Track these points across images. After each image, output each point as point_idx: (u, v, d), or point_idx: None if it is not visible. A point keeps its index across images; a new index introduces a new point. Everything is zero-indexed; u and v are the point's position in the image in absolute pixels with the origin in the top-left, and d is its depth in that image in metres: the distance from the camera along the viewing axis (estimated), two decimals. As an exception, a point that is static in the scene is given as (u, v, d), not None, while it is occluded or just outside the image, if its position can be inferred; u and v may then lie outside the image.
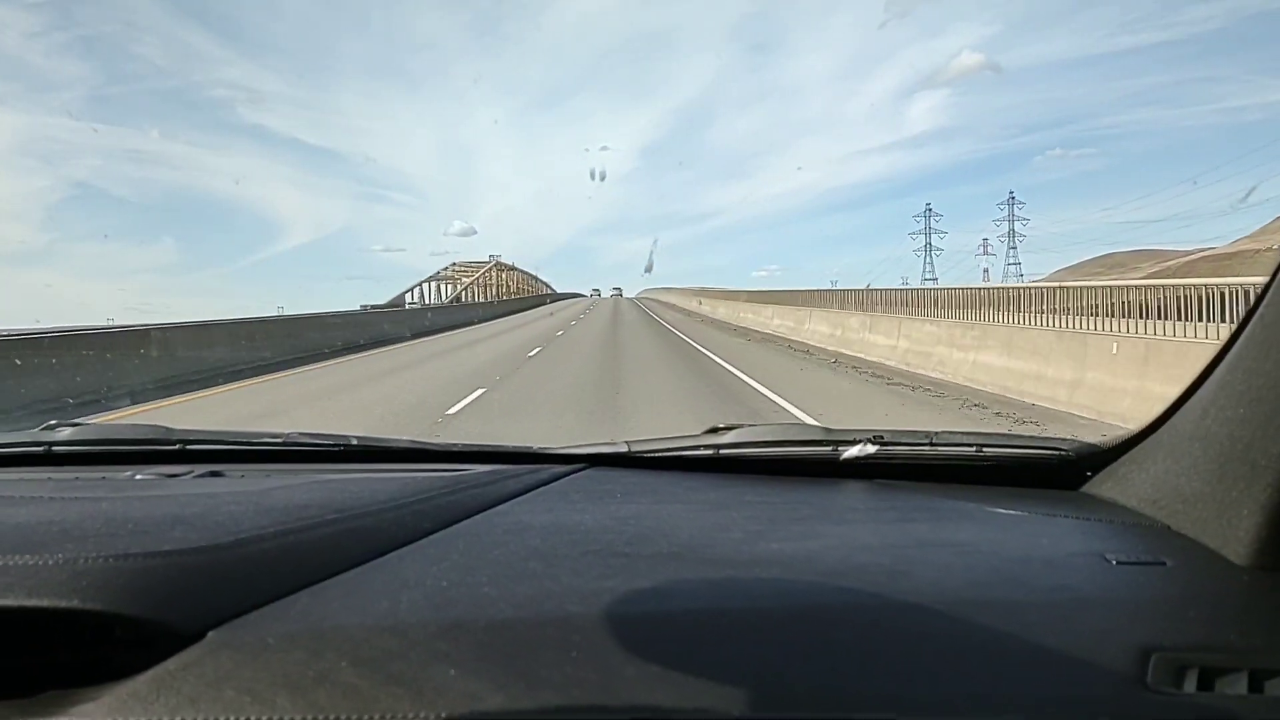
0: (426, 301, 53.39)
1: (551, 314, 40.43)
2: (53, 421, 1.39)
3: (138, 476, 1.09)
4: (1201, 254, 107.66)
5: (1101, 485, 1.06)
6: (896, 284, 18.98)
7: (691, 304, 43.19)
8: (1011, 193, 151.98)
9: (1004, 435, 1.44)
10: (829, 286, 20.54)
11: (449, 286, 62.15)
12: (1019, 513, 1.00)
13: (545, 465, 1.23)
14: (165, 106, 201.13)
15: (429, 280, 60.08)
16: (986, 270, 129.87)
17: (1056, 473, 1.12)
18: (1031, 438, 1.23)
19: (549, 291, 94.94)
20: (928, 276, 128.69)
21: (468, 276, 66.78)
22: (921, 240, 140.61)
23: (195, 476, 1.10)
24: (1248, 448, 0.78)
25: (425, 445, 1.37)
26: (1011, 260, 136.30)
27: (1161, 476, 0.94)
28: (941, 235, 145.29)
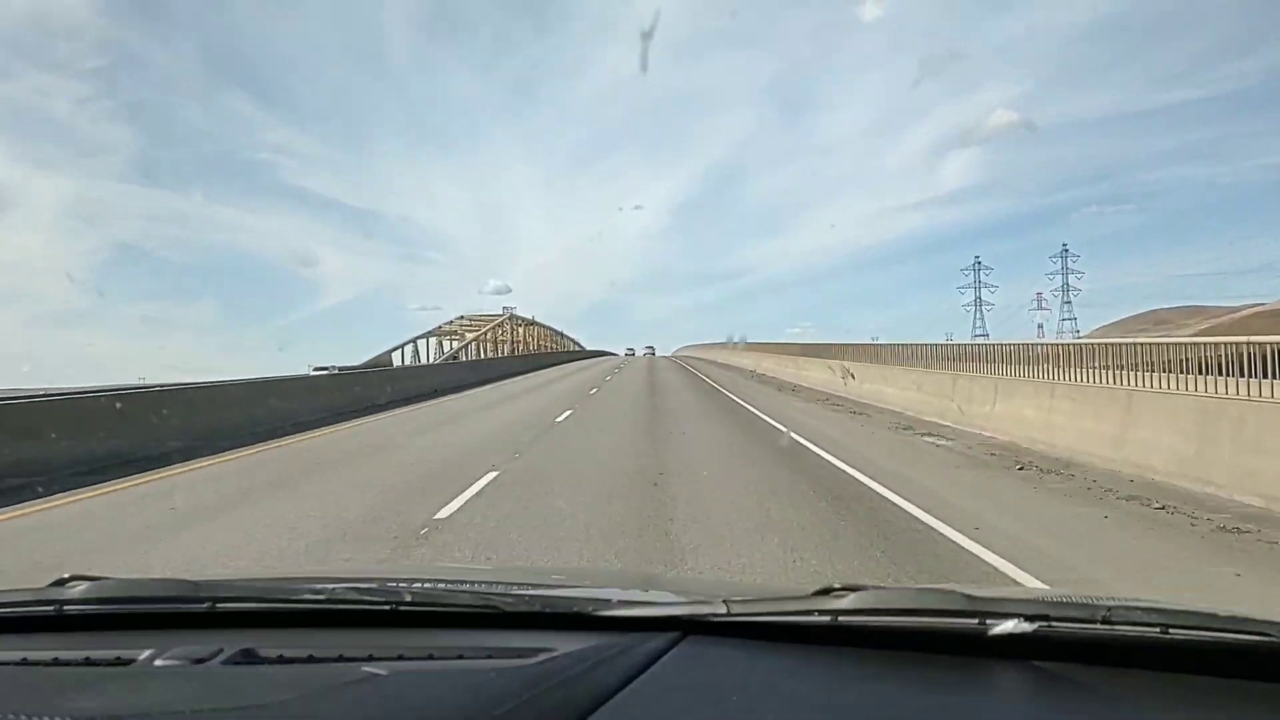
0: (422, 360, 49.98)
1: (565, 375, 37.12)
2: (65, 575, 1.29)
3: (158, 662, 1.01)
4: (1254, 310, 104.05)
5: None
6: (939, 339, 19.61)
7: (745, 360, 40.18)
8: (1065, 245, 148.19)
9: (1199, 613, 1.08)
10: (870, 340, 20.99)
11: (452, 342, 59.02)
12: (1217, 716, 0.86)
13: (633, 634, 1.10)
14: (208, 169, 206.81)
15: (428, 335, 57.07)
16: (1041, 326, 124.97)
17: (1265, 661, 0.94)
18: (1233, 618, 1.04)
19: (577, 349, 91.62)
20: (978, 332, 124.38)
21: (473, 331, 62.90)
22: (970, 294, 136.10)
23: (225, 662, 1.01)
24: None
25: (492, 600, 1.25)
26: (1066, 315, 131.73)
27: None
28: (992, 289, 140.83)
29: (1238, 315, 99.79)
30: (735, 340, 48.96)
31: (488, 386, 28.09)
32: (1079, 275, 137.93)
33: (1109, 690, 0.94)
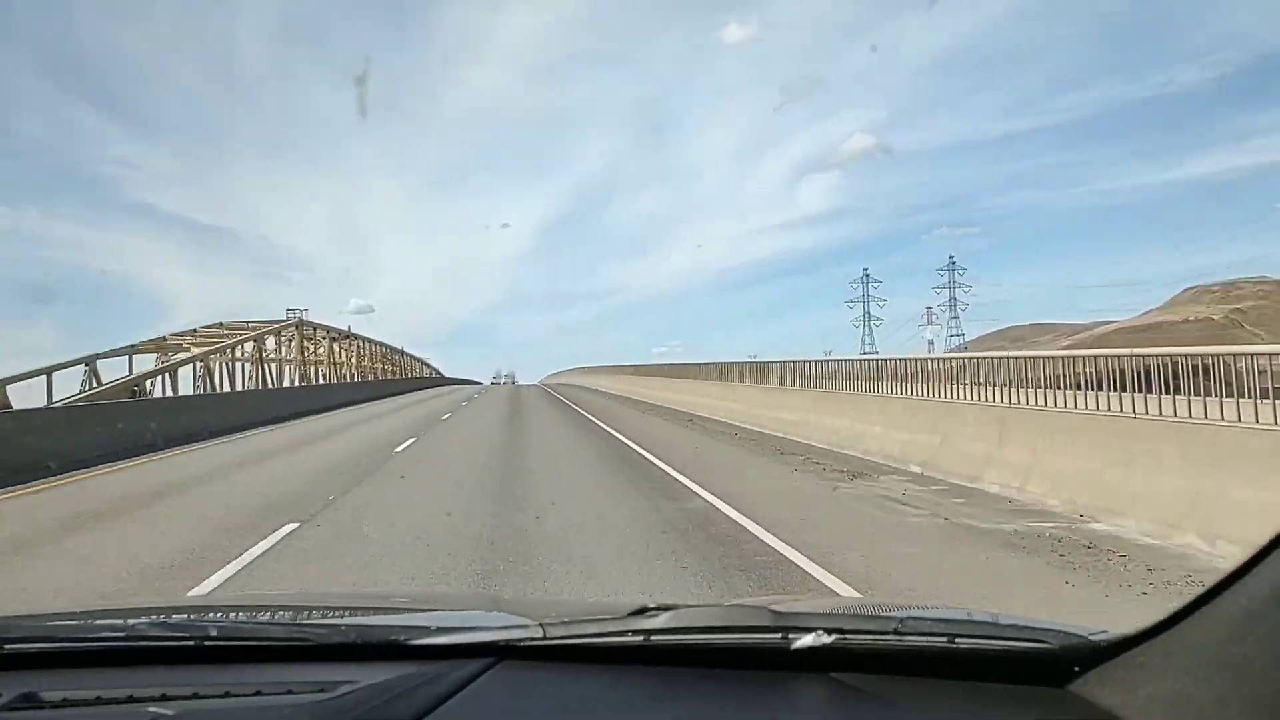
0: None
1: (373, 418, 26.27)
2: None
3: None
4: (1115, 326, 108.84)
5: (1092, 688, 1.02)
6: (805, 356, 18.95)
7: (636, 388, 36.88)
8: (952, 258, 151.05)
9: (982, 623, 1.33)
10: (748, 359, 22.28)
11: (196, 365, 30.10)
12: (996, 716, 1.04)
13: (445, 663, 1.16)
14: (47, 184, 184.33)
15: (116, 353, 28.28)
16: (931, 342, 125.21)
17: (1040, 668, 1.08)
18: (1013, 626, 1.22)
19: (434, 375, 78.84)
20: (867, 348, 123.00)
21: (204, 345, 33.58)
22: (859, 310, 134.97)
23: (4, 707, 1.04)
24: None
25: (305, 631, 1.31)
26: (955, 331, 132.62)
27: (1165, 695, 0.90)
28: (881, 304, 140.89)
29: (1097, 332, 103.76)
30: (632, 364, 46.28)
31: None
32: (966, 289, 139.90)
33: (900, 698, 1.05)
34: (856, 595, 5.05)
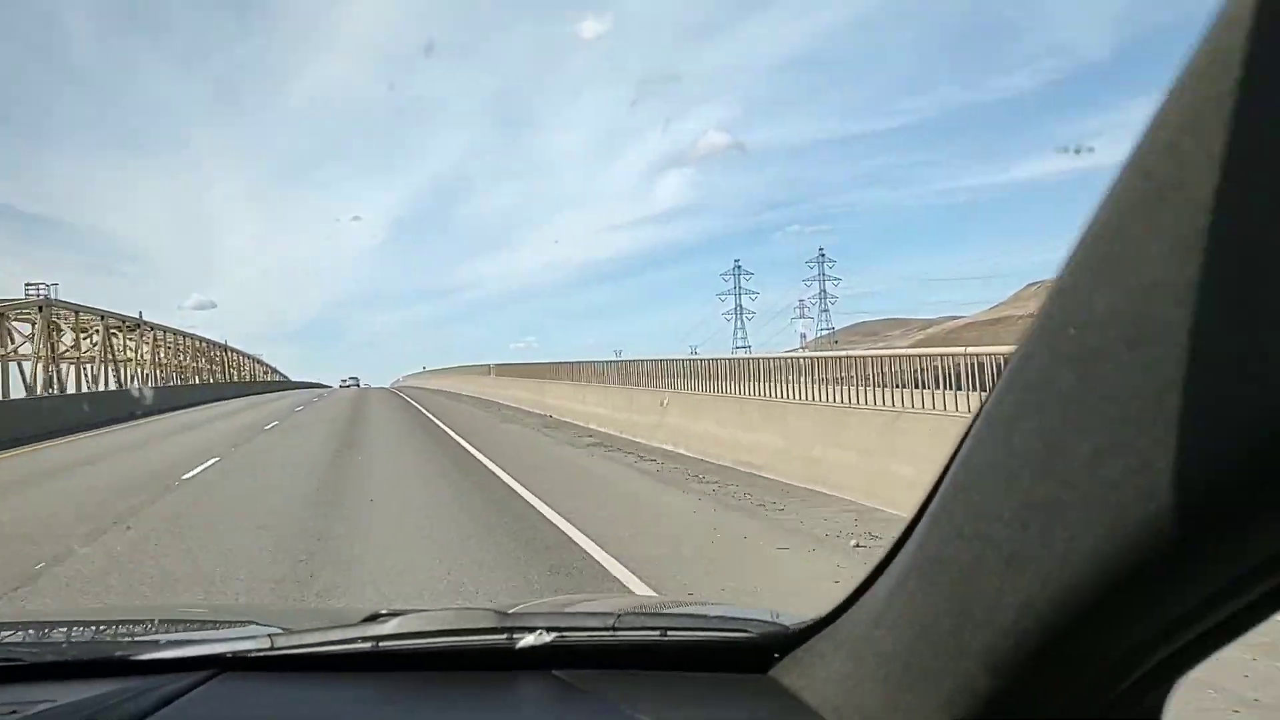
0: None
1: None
2: None
3: None
4: (965, 321, 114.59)
5: (786, 673, 1.06)
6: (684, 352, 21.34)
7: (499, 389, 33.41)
8: (821, 249, 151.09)
9: (693, 615, 1.46)
10: (613, 358, 21.75)
11: None
12: (701, 710, 1.07)
13: (161, 677, 1.12)
14: None
15: None
16: (804, 335, 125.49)
17: (745, 655, 1.12)
18: (721, 617, 1.34)
19: (269, 375, 69.90)
20: (739, 343, 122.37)
21: None
22: (730, 302, 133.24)
23: None
24: (932, 654, 0.73)
25: (16, 651, 1.26)
26: (825, 326, 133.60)
27: (838, 677, 0.92)
28: (753, 296, 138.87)
29: (948, 326, 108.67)
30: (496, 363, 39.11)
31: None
32: (836, 282, 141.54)
33: (614, 691, 1.09)
34: (650, 592, 5.27)
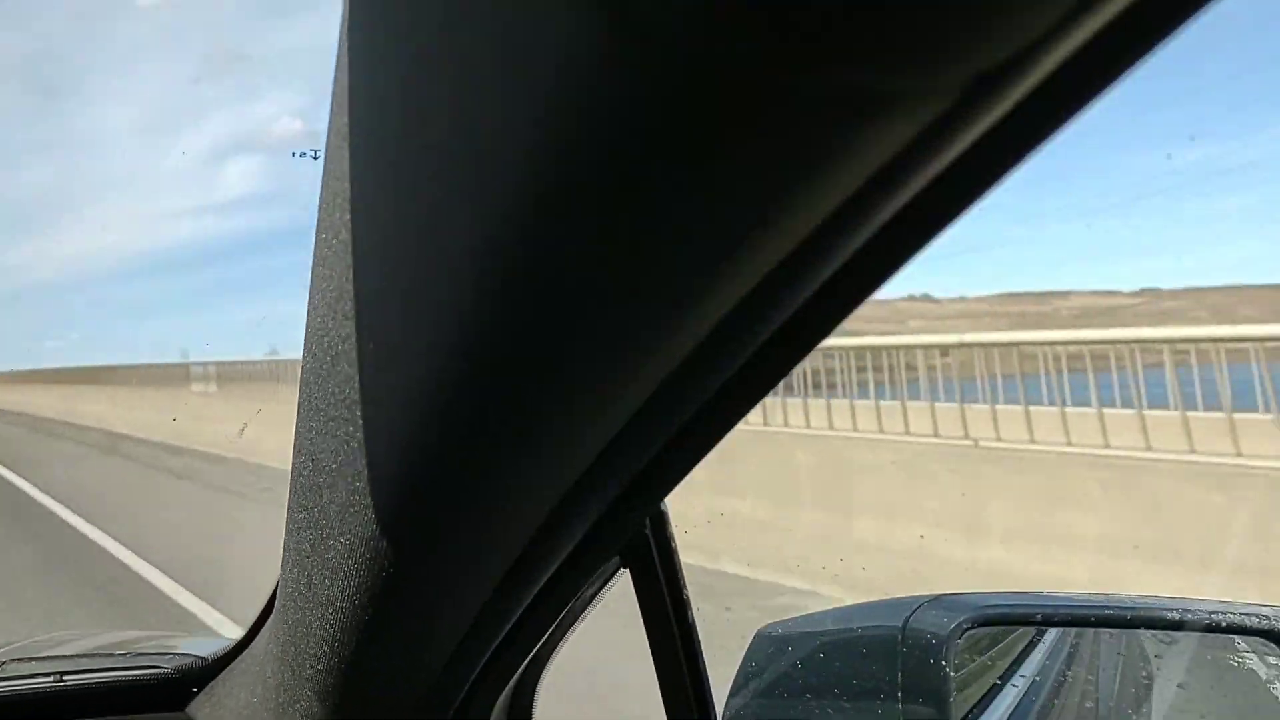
0: None
1: None
2: None
3: None
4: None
5: (202, 708, 1.02)
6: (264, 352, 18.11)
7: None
8: None
9: (97, 654, 1.28)
10: (180, 359, 21.61)
11: None
12: None
13: None
14: None
15: None
16: None
17: (160, 693, 1.06)
18: (129, 654, 1.19)
19: None
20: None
21: None
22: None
23: None
24: (294, 682, 0.73)
25: None
26: None
27: (245, 708, 0.90)
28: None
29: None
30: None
31: None
32: None
33: None
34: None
